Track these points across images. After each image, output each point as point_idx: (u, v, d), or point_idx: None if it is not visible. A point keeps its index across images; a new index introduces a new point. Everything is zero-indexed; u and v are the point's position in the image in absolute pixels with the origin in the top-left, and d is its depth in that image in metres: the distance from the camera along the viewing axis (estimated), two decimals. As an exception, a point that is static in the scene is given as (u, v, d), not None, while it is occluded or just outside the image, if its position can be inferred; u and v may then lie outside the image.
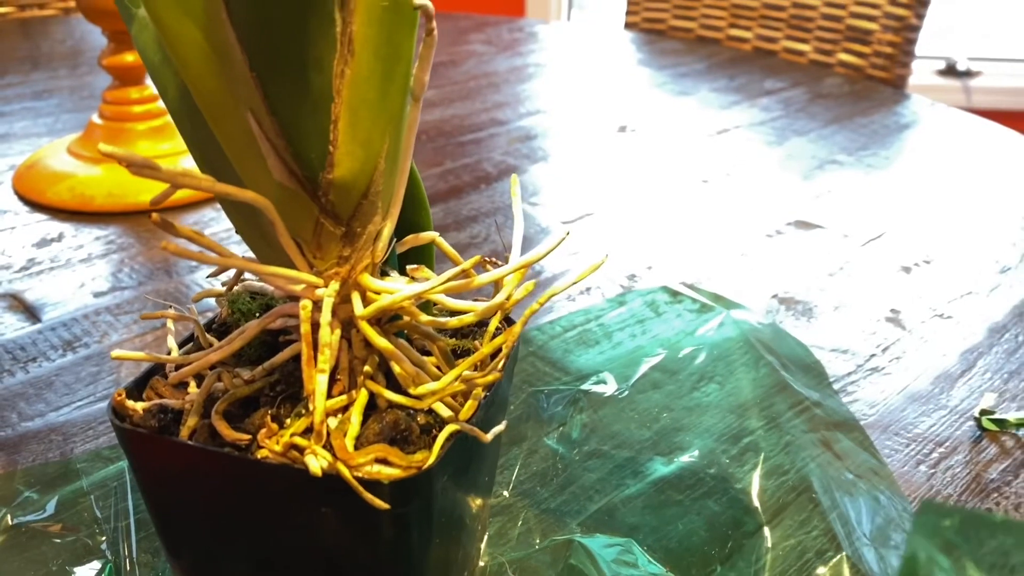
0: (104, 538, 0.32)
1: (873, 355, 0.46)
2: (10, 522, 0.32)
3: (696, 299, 0.49)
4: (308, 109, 0.20)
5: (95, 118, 0.66)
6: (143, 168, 0.19)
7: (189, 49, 0.20)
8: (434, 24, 0.20)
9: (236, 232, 0.24)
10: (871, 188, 0.67)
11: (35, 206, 0.62)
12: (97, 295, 0.51)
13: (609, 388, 0.41)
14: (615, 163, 0.72)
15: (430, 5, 0.19)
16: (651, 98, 0.89)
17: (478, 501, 0.28)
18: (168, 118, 0.66)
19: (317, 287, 0.22)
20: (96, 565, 0.30)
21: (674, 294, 0.50)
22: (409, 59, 0.20)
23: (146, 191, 0.62)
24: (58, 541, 0.31)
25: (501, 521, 0.34)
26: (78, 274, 0.53)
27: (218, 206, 0.62)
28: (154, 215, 0.20)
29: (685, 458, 0.37)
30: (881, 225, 0.61)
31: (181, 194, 0.62)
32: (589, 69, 1.00)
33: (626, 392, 0.41)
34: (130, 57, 0.64)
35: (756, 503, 0.35)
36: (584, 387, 0.41)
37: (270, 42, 0.19)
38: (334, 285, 0.22)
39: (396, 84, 0.20)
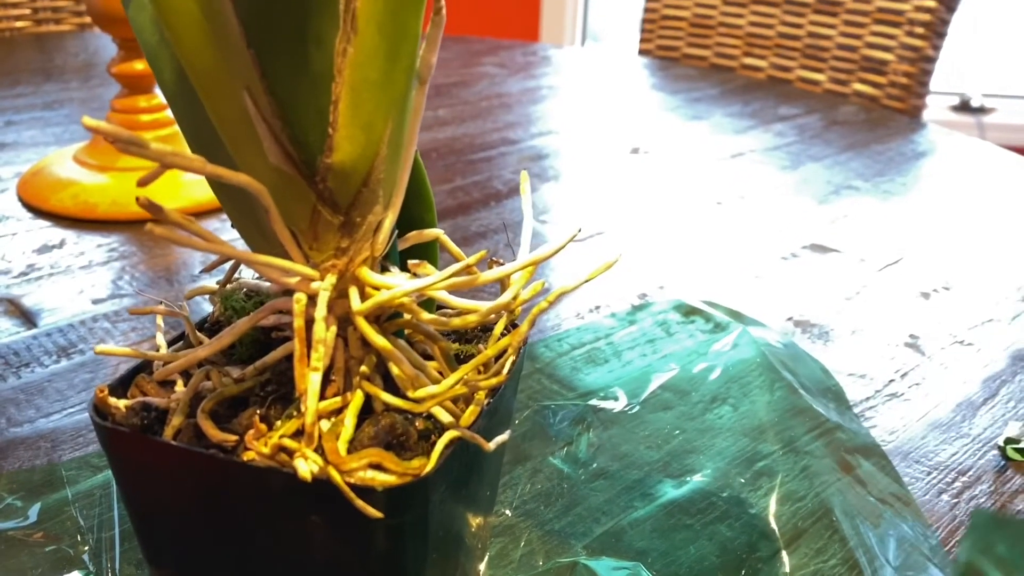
0: (87, 548, 0.30)
1: (892, 380, 0.44)
2: (-11, 529, 0.31)
3: (711, 317, 0.48)
4: (307, 88, 0.19)
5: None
6: (130, 144, 0.18)
7: (184, 23, 0.18)
8: (443, 3, 0.19)
9: (231, 224, 0.23)
10: (888, 214, 0.66)
11: (38, 213, 0.61)
12: (96, 302, 0.50)
13: (619, 404, 0.39)
14: (627, 184, 0.71)
15: (439, -18, 0.18)
16: (664, 121, 0.89)
17: (478, 517, 0.26)
18: (175, 127, 0.65)
19: (312, 280, 0.21)
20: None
21: (686, 313, 0.49)
22: (416, 38, 0.19)
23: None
24: (39, 550, 0.30)
25: (503, 541, 0.32)
26: (77, 281, 0.52)
27: (223, 217, 0.61)
28: (139, 196, 0.19)
29: (696, 480, 0.36)
30: (898, 250, 0.59)
31: (185, 203, 0.61)
32: (601, 92, 1.00)
33: (636, 408, 0.39)
34: (139, 65, 0.63)
35: (772, 528, 0.33)
36: (592, 402, 0.39)
37: (269, 16, 0.18)
38: (330, 278, 0.20)
39: (401, 64, 0.19)
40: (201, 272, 0.25)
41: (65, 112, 0.86)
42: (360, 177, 0.20)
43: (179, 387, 0.23)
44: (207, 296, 0.33)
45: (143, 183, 0.18)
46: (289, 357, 0.22)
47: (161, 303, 0.25)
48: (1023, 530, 0.11)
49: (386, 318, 0.22)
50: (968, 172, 0.76)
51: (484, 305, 0.22)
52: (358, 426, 0.21)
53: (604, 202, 0.67)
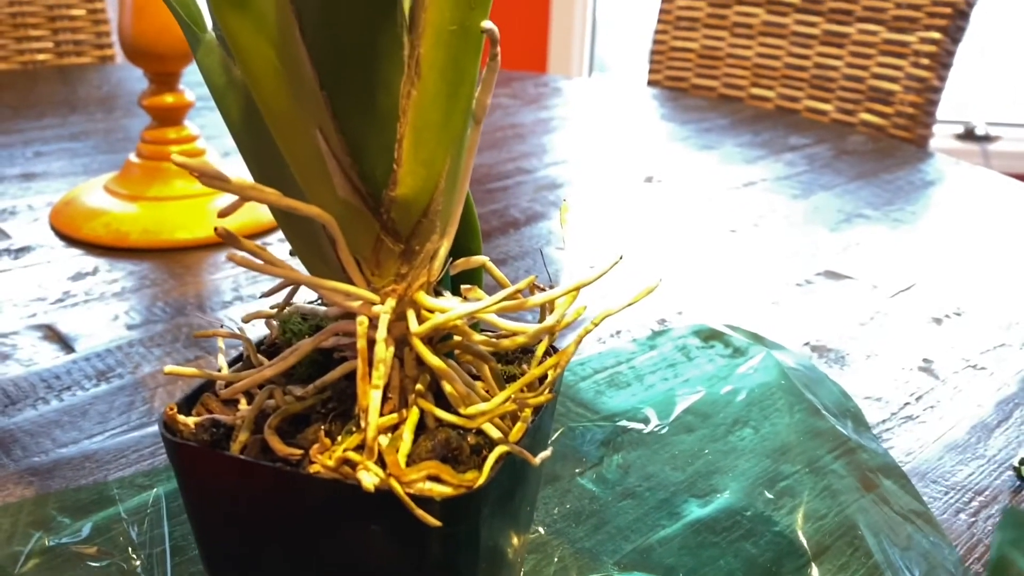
0: (139, 563, 0.31)
1: (907, 403, 0.45)
2: (47, 543, 0.32)
3: (730, 342, 0.49)
4: (375, 128, 0.20)
5: (132, 157, 0.67)
6: (214, 179, 0.19)
7: (262, 67, 0.20)
8: (498, 49, 0.20)
9: (291, 252, 0.24)
10: (899, 241, 0.67)
11: (71, 241, 0.63)
12: (130, 327, 0.51)
13: (648, 426, 0.41)
14: (642, 212, 0.72)
15: (496, 29, 0.20)
16: (675, 151, 0.90)
17: (520, 532, 0.27)
18: (204, 159, 0.67)
19: (374, 304, 0.22)
20: (130, 589, 0.30)
21: (705, 338, 0.50)
22: (473, 82, 0.21)
23: (180, 228, 0.62)
24: (93, 564, 0.31)
25: (536, 558, 0.33)
26: (111, 307, 0.54)
27: (269, 238, 0.63)
28: (218, 226, 0.20)
29: (721, 499, 0.37)
30: (911, 277, 0.61)
31: (238, 225, 0.62)
32: (612, 122, 1.02)
33: (665, 429, 0.40)
34: (169, 98, 0.65)
35: (796, 544, 0.34)
36: (621, 423, 0.41)
37: (341, 62, 0.20)
38: (391, 302, 0.22)
39: (459, 106, 0.21)
40: (262, 296, 0.26)
41: (91, 143, 0.88)
42: (420, 209, 0.21)
43: (243, 405, 0.24)
44: (261, 320, 0.35)
45: (223, 215, 0.20)
46: (348, 376, 0.23)
47: (222, 326, 0.26)
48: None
49: (439, 340, 0.24)
50: (975, 200, 0.77)
51: (531, 327, 0.23)
52: (414, 441, 0.22)
53: (620, 230, 0.68)
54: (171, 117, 0.66)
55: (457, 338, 0.23)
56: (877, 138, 1.02)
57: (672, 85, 1.35)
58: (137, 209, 0.64)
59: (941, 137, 2.41)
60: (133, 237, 0.62)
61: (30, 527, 0.34)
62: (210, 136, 0.72)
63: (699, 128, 1.00)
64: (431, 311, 0.22)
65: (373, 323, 0.22)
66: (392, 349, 0.22)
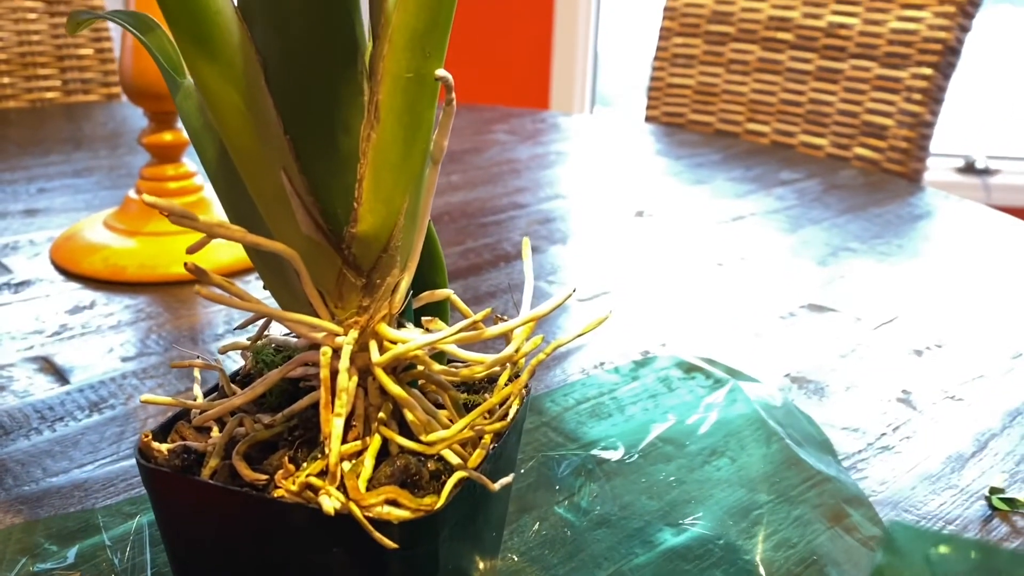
0: (120, 588, 0.32)
1: (884, 434, 0.46)
2: (31, 569, 0.33)
3: (710, 374, 0.50)
4: (336, 169, 0.22)
5: (131, 193, 0.69)
6: (182, 217, 0.20)
7: (230, 113, 0.21)
8: (453, 95, 0.21)
9: (263, 285, 0.25)
10: (884, 274, 0.68)
11: (70, 275, 0.65)
12: (125, 360, 0.53)
13: (618, 454, 0.41)
14: (632, 245, 0.74)
15: (450, 78, 0.21)
16: (667, 186, 0.92)
17: (485, 557, 0.28)
18: (202, 194, 0.68)
19: (337, 335, 0.23)
20: (110, 615, 0.31)
21: (687, 370, 0.51)
22: (430, 126, 0.22)
23: (176, 263, 0.64)
24: (75, 590, 0.32)
25: (509, 585, 0.34)
26: (107, 340, 0.55)
27: (248, 278, 0.65)
28: (187, 262, 0.21)
29: (694, 529, 0.38)
30: (893, 310, 0.62)
31: (217, 263, 0.64)
32: (608, 158, 1.03)
33: (635, 457, 0.41)
34: (168, 136, 0.67)
35: (763, 573, 0.35)
36: (593, 452, 0.41)
37: (303, 107, 0.21)
38: (353, 333, 0.23)
39: (417, 148, 0.22)
40: (235, 328, 0.27)
41: (95, 179, 0.90)
42: (381, 244, 0.23)
43: (215, 433, 0.25)
44: (238, 351, 0.36)
45: (191, 251, 0.21)
46: (315, 405, 0.24)
47: (199, 357, 0.27)
48: (938, 538, 0.13)
49: (402, 369, 0.25)
50: (963, 234, 0.78)
51: (489, 357, 0.24)
52: (376, 467, 0.23)
53: (609, 263, 0.69)
54: (169, 154, 0.67)
55: (419, 368, 0.25)
56: (870, 172, 1.03)
57: (669, 121, 1.37)
58: (135, 244, 0.65)
59: (941, 170, 2.42)
60: (130, 271, 0.63)
61: (17, 553, 0.35)
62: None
63: (692, 163, 1.02)
64: (393, 342, 0.23)
65: (337, 353, 0.23)
66: (355, 379, 0.23)
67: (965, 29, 1.17)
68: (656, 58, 1.40)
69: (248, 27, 0.21)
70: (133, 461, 0.43)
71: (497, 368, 0.24)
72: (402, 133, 0.22)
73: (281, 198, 0.22)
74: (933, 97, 1.16)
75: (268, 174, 0.22)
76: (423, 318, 0.25)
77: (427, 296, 0.26)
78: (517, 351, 0.24)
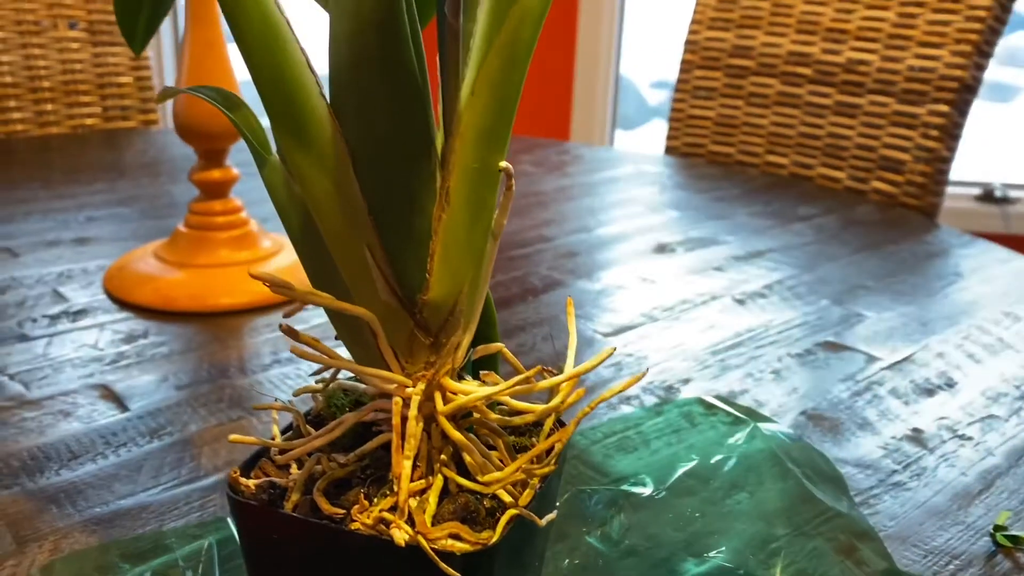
0: (192, 605, 0.36)
1: (895, 471, 0.49)
2: (113, 586, 0.36)
3: (729, 412, 0.53)
4: (412, 245, 0.25)
5: (181, 227, 0.72)
6: (281, 288, 0.24)
7: (322, 195, 0.25)
8: (513, 181, 0.25)
9: (337, 337, 0.29)
10: (898, 313, 0.71)
11: (123, 304, 0.68)
12: (179, 388, 0.56)
13: (647, 490, 0.44)
14: (654, 280, 0.77)
15: (510, 167, 0.25)
16: (689, 219, 0.95)
17: (529, 583, 0.31)
18: (247, 228, 0.72)
19: (407, 387, 0.26)
20: (185, 629, 0.34)
21: (708, 407, 0.54)
22: (492, 208, 0.26)
23: (224, 294, 0.67)
24: (152, 606, 0.35)
25: (545, 608, 0.37)
26: (162, 368, 0.59)
27: (280, 311, 0.68)
28: (282, 324, 0.25)
29: (716, 560, 0.40)
30: (906, 348, 0.64)
31: (259, 293, 0.67)
32: (630, 190, 1.07)
33: (663, 494, 0.44)
34: (216, 173, 0.71)
35: (780, 602, 0.38)
36: (624, 487, 0.44)
37: (386, 193, 0.25)
38: (421, 385, 0.26)
39: (480, 227, 0.26)
40: (311, 375, 0.31)
41: (139, 208, 0.94)
42: (447, 309, 0.26)
43: (294, 469, 0.29)
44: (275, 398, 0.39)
45: (287, 315, 0.25)
46: (384, 446, 0.28)
47: (276, 400, 0.30)
48: None
49: (461, 416, 0.28)
50: (976, 272, 0.81)
51: (538, 407, 0.27)
52: (439, 503, 0.26)
53: (633, 298, 0.73)
54: (218, 190, 0.71)
55: (476, 415, 0.28)
56: (887, 206, 1.06)
57: (690, 151, 1.40)
58: (184, 276, 0.69)
59: (959, 199, 2.44)
60: (181, 302, 0.67)
61: (95, 572, 0.38)
62: (250, 202, 0.78)
63: (713, 197, 1.05)
64: (455, 393, 0.27)
65: (406, 403, 0.26)
66: (421, 425, 0.27)
67: (981, 68, 1.20)
68: (677, 90, 1.43)
69: (339, 122, 0.25)
70: (193, 486, 0.46)
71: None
72: (468, 215, 0.25)
73: (363, 269, 0.25)
74: (949, 133, 1.19)
75: (353, 248, 0.25)
76: (481, 372, 0.29)
77: (482, 349, 0.29)
78: (562, 403, 0.27)
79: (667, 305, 0.71)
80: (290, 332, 0.25)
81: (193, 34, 0.67)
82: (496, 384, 0.27)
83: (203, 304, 0.67)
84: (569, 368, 0.28)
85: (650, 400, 0.56)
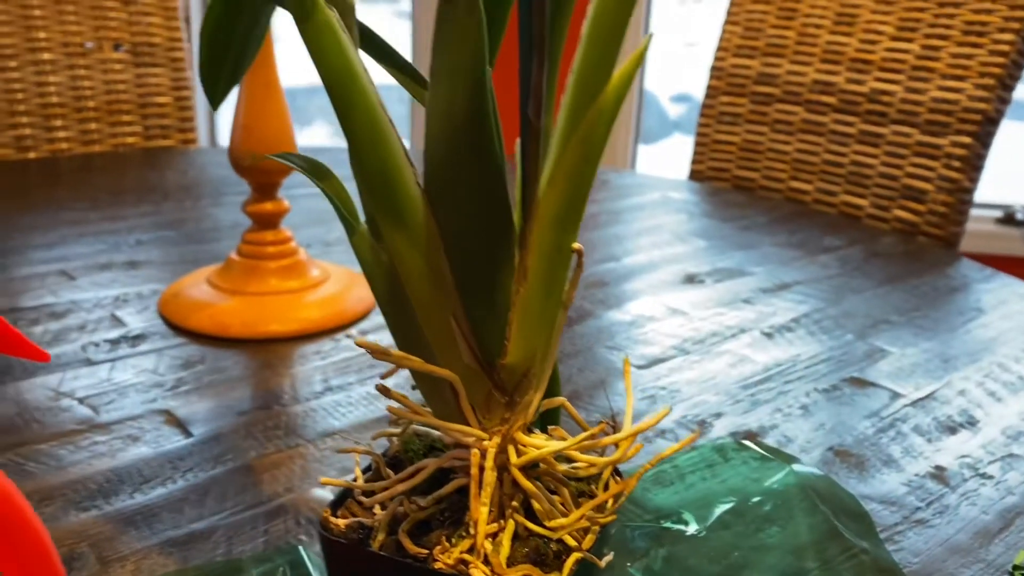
0: (269, 627, 0.39)
1: (918, 508, 0.51)
2: (198, 608, 0.39)
3: (758, 451, 0.56)
4: (492, 315, 0.28)
5: (233, 255, 0.76)
6: (382, 354, 0.27)
7: (414, 269, 0.28)
8: (583, 259, 0.28)
9: (416, 388, 0.32)
10: (921, 349, 0.73)
11: (179, 330, 0.72)
12: (240, 414, 0.59)
13: (688, 529, 0.47)
14: (684, 312, 0.80)
15: (582, 248, 0.28)
16: (716, 249, 0.98)
17: (583, 615, 0.34)
18: (296, 258, 0.76)
19: (484, 440, 0.30)
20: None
21: (739, 442, 0.57)
22: (564, 282, 0.29)
23: (274, 321, 0.71)
24: (233, 627, 0.39)
25: (592, 636, 0.40)
26: (219, 394, 0.62)
27: (336, 337, 0.71)
28: (378, 384, 0.28)
29: (750, 591, 0.43)
30: (928, 385, 0.67)
31: (307, 320, 0.71)
32: (657, 218, 1.10)
33: (703, 533, 0.47)
34: (269, 206, 0.74)
35: (812, 635, 0.40)
36: (666, 525, 0.47)
37: (471, 269, 0.28)
38: (496, 439, 0.29)
39: (553, 300, 0.29)
40: (390, 423, 0.34)
41: (184, 232, 0.98)
42: (522, 372, 0.29)
43: (377, 510, 0.32)
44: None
45: (384, 377, 0.28)
46: (459, 490, 0.31)
47: (357, 443, 0.34)
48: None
49: (530, 466, 0.31)
50: (997, 307, 0.83)
51: (601, 460, 0.30)
52: (511, 546, 0.29)
53: (664, 330, 0.75)
54: (270, 221, 0.75)
55: (543, 466, 0.31)
56: (909, 237, 1.08)
57: (714, 175, 1.43)
58: (237, 303, 0.72)
59: (980, 221, 2.45)
60: (234, 329, 0.70)
61: (177, 593, 0.41)
62: (294, 226, 0.81)
63: (739, 226, 1.08)
64: (526, 446, 0.30)
65: (483, 454, 0.29)
66: (495, 474, 0.30)
67: (1004, 101, 1.23)
68: (703, 115, 1.46)
69: (432, 206, 0.28)
70: (257, 511, 0.49)
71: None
72: (543, 289, 0.28)
73: (449, 335, 0.29)
74: (972, 164, 1.21)
75: (440, 317, 0.28)
76: (549, 427, 0.32)
77: (547, 403, 0.32)
78: (622, 457, 0.30)
79: (698, 338, 0.74)
80: (384, 391, 0.28)
81: (251, 74, 0.71)
82: (563, 439, 0.30)
83: (255, 331, 0.70)
84: (628, 426, 0.31)
85: (684, 434, 0.58)
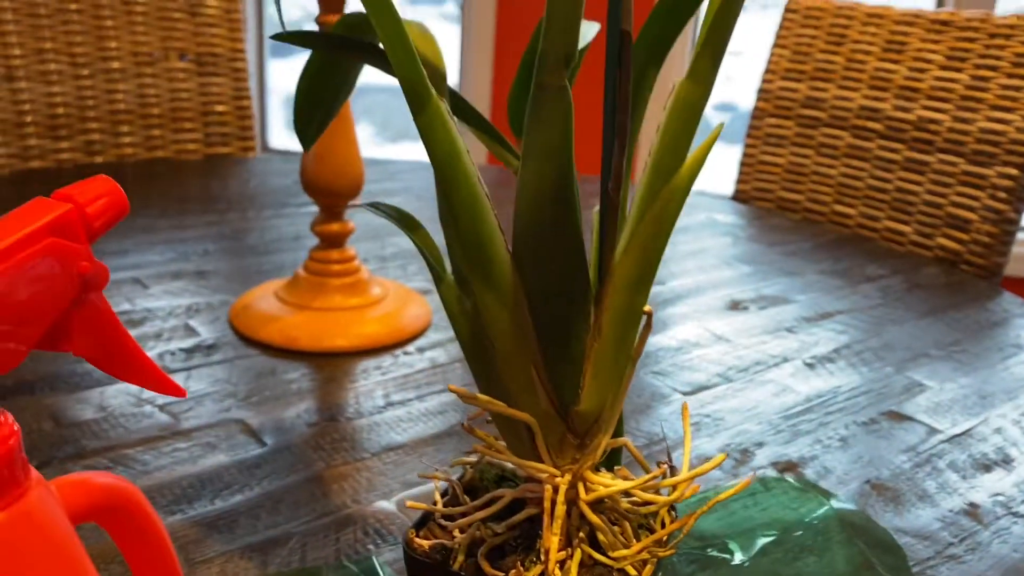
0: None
1: (951, 544, 0.54)
2: (282, 611, 0.43)
3: (796, 483, 0.59)
4: (569, 366, 0.32)
5: (300, 270, 0.80)
6: (471, 399, 0.30)
7: (500, 324, 0.32)
8: (652, 319, 0.31)
9: (489, 417, 0.35)
10: (959, 384, 0.76)
11: (249, 342, 0.76)
12: (309, 425, 0.63)
13: (733, 559, 0.50)
14: (728, 339, 0.82)
15: (652, 310, 0.31)
16: (760, 276, 1.00)
17: (636, 635, 0.38)
18: (359, 276, 0.80)
19: (556, 476, 0.33)
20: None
21: (780, 470, 0.59)
22: (634, 339, 0.32)
23: (339, 336, 0.75)
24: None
25: (639, 652, 0.43)
26: (290, 404, 0.66)
27: (395, 352, 0.75)
28: (464, 423, 0.31)
29: (788, 617, 0.46)
30: (966, 422, 0.69)
31: (364, 335, 0.75)
32: (703, 240, 1.12)
33: (747, 563, 0.50)
34: (335, 226, 0.78)
35: (846, 662, 0.43)
36: (712, 553, 0.50)
37: (551, 325, 0.31)
38: (568, 477, 0.33)
39: (624, 354, 0.32)
40: (466, 453, 0.37)
41: (248, 242, 1.03)
42: (593, 418, 0.32)
43: (456, 532, 0.35)
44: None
45: (471, 419, 0.31)
46: (531, 519, 0.34)
47: (437, 469, 0.37)
48: None
49: (596, 501, 0.34)
50: (1037, 346, 0.85)
51: (661, 499, 0.34)
52: (577, 573, 0.33)
53: (708, 357, 0.78)
54: (336, 240, 0.79)
55: (608, 502, 0.34)
56: (952, 265, 1.10)
57: (759, 196, 1.45)
58: (304, 317, 0.77)
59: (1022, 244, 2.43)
60: (302, 342, 0.74)
61: (259, 595, 0.45)
62: (351, 240, 0.86)
63: (783, 251, 1.10)
64: (594, 484, 0.33)
65: (555, 490, 0.33)
66: (565, 507, 0.33)
67: (1052, 134, 1.23)
68: (749, 135, 1.48)
69: (518, 268, 0.31)
70: (327, 519, 0.53)
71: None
72: (615, 345, 0.32)
73: (528, 382, 0.32)
74: (1018, 196, 1.22)
75: (521, 365, 0.32)
76: (615, 467, 0.35)
77: (612, 443, 0.36)
78: (680, 496, 0.33)
79: (741, 366, 0.77)
80: (471, 430, 0.32)
81: (324, 103, 0.75)
82: (628, 479, 0.34)
83: (320, 345, 0.74)
84: (685, 470, 0.34)
85: (727, 463, 0.61)
